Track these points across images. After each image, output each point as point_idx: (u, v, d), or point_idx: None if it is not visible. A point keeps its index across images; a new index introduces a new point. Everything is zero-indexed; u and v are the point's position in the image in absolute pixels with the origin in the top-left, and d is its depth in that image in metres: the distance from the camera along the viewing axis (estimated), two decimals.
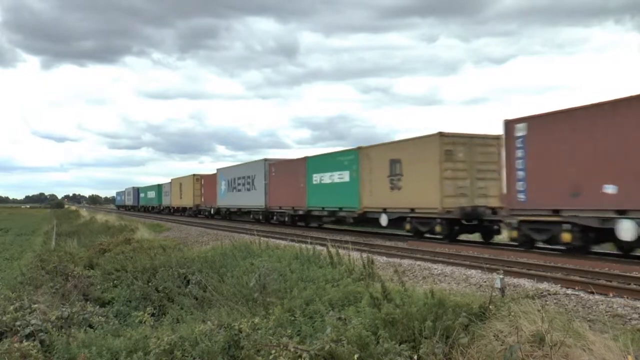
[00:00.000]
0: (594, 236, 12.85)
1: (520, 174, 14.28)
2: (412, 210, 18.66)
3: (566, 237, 13.00)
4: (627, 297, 8.54)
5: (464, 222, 17.47)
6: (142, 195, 74.82)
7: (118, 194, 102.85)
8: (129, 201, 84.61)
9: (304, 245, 11.99)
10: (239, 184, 35.65)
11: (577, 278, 10.30)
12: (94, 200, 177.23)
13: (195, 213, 47.90)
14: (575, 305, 8.22)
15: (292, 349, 5.01)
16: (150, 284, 11.97)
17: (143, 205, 73.59)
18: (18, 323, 6.59)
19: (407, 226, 19.15)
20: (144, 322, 7.04)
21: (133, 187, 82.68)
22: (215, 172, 41.73)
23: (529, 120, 14.16)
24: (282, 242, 16.15)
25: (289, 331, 6.02)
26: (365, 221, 22.35)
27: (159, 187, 63.81)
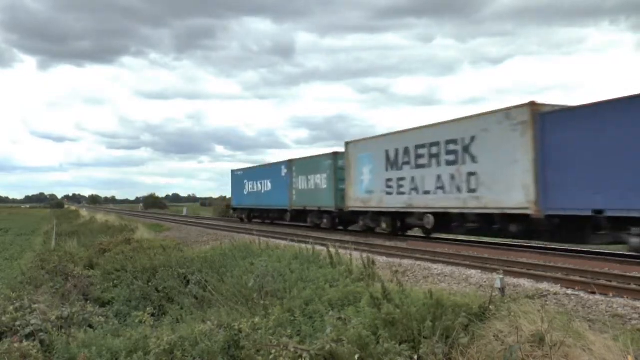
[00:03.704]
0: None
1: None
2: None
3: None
4: (627, 297, 8.53)
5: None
6: None
7: (236, 178, 36.18)
8: (325, 199, 23.58)
9: (303, 246, 11.97)
10: None
11: (577, 278, 10.29)
12: (94, 200, 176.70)
13: None
14: (575, 305, 8.21)
15: (292, 349, 5.01)
16: (150, 284, 11.98)
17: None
18: (18, 323, 6.59)
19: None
20: (144, 322, 7.03)
21: (371, 139, 20.58)
22: None
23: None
24: (282, 242, 16.15)
25: (289, 331, 6.02)
26: None
27: None
